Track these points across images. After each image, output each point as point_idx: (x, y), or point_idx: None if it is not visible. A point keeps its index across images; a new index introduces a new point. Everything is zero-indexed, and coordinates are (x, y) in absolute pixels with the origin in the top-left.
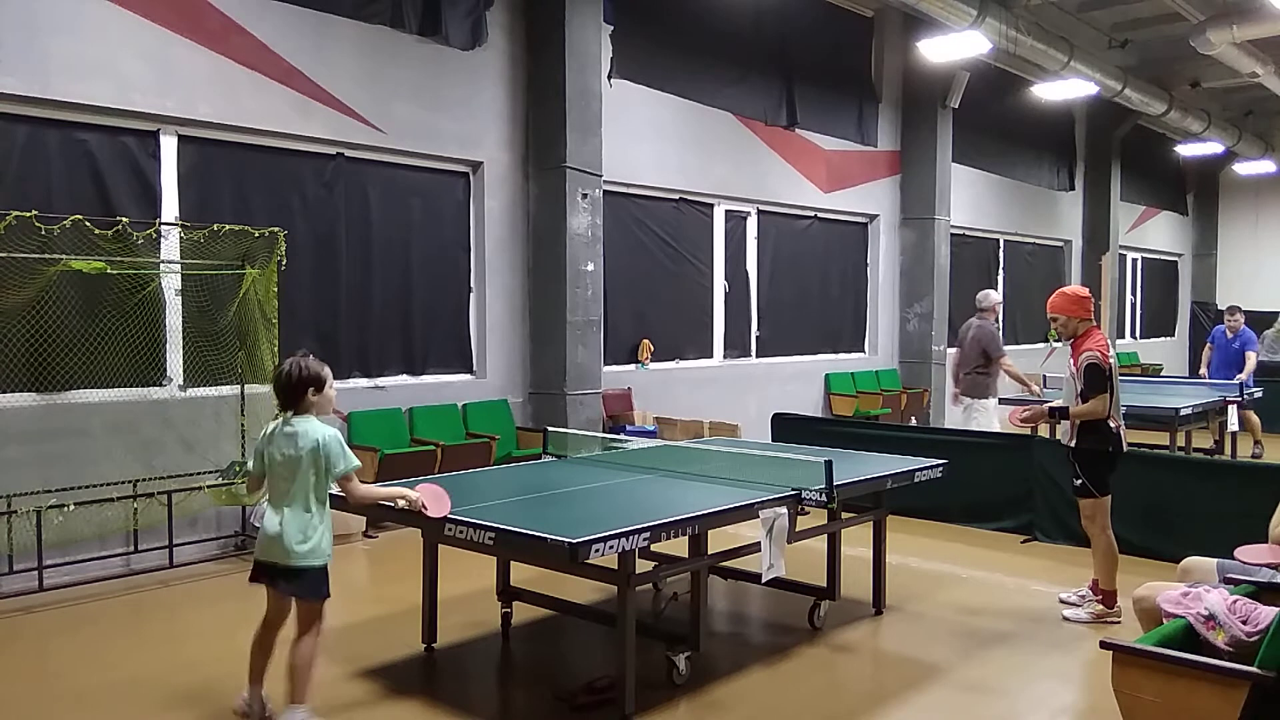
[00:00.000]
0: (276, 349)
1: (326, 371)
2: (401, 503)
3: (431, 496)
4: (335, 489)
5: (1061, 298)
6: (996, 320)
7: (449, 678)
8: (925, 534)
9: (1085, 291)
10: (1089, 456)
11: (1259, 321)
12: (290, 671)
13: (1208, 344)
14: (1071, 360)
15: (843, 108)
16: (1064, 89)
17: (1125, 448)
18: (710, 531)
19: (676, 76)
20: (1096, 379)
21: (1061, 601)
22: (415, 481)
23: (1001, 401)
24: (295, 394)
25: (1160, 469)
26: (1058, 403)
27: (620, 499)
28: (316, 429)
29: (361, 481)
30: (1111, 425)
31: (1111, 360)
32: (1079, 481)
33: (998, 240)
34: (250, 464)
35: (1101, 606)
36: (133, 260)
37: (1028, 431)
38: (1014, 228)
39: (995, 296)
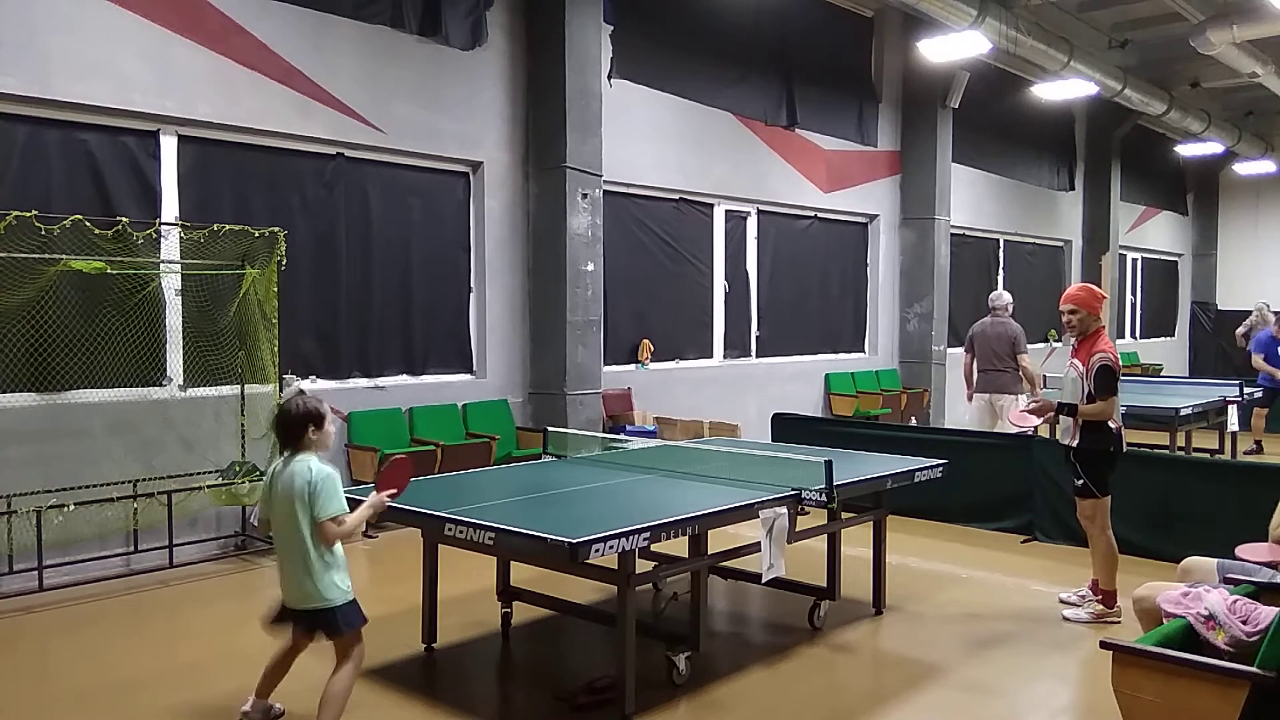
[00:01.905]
0: (276, 349)
1: (326, 408)
2: (373, 512)
3: (393, 479)
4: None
5: (1085, 291)
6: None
7: (449, 678)
8: (925, 534)
9: (1104, 293)
10: (1090, 457)
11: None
12: (323, 701)
13: (1259, 355)
14: (1077, 359)
15: (843, 108)
16: (1064, 89)
17: (1125, 448)
18: (710, 531)
19: (676, 76)
20: (1109, 381)
21: (1061, 601)
22: (412, 484)
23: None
24: (295, 432)
25: (1160, 469)
26: (1047, 406)
27: (620, 499)
28: (311, 467)
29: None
30: (1112, 426)
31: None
32: (1080, 482)
33: (998, 240)
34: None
35: (1101, 606)
36: (133, 260)
37: (1028, 431)
38: (1014, 228)
39: (1009, 295)
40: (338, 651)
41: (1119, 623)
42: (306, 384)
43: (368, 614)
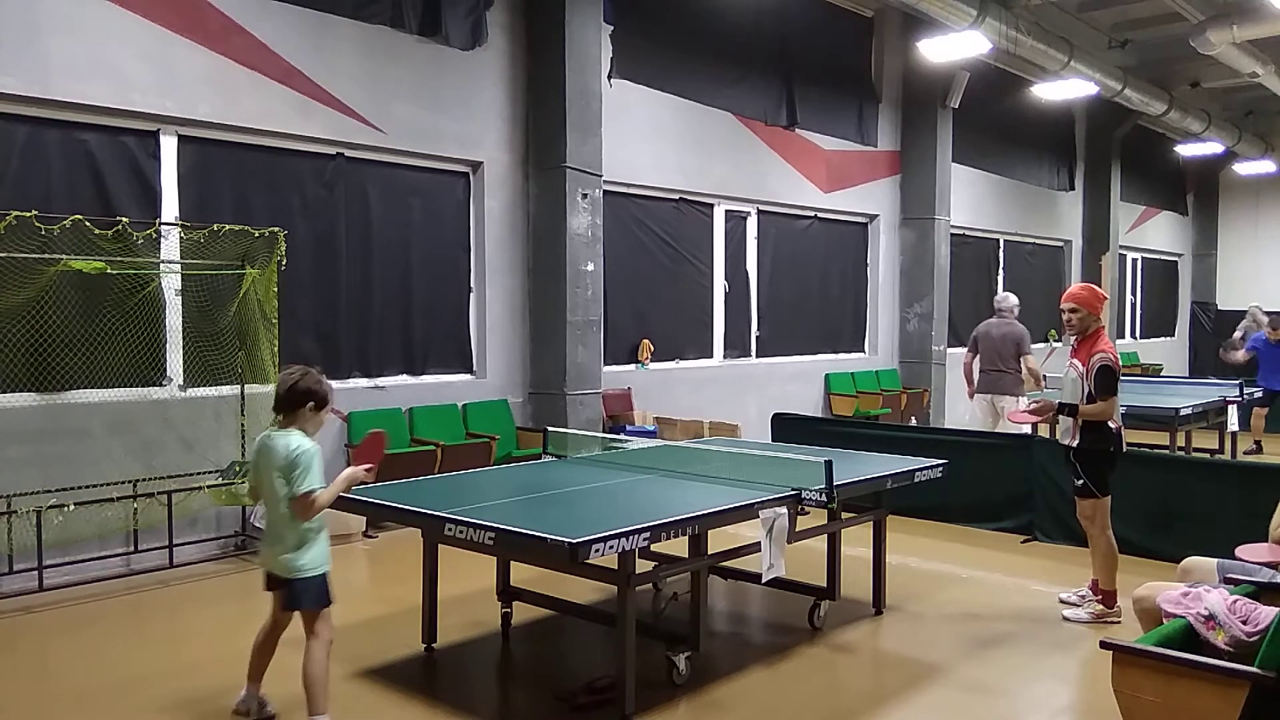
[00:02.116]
0: (276, 349)
1: (330, 393)
2: (348, 485)
3: (368, 452)
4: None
5: (1087, 290)
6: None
7: (449, 678)
8: (925, 534)
9: (1106, 294)
10: (1090, 457)
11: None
12: (305, 683)
13: (1249, 350)
14: (1076, 359)
15: (843, 108)
16: (1064, 89)
17: (1125, 448)
18: (710, 531)
19: (676, 76)
20: (1109, 381)
21: (1061, 601)
22: (413, 483)
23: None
24: (294, 402)
25: (1160, 469)
26: (1048, 405)
27: (620, 499)
28: (297, 440)
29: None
30: (1112, 426)
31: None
32: (1080, 482)
33: (998, 240)
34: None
35: (1101, 606)
36: (133, 260)
37: (1027, 430)
38: (1014, 228)
39: (1015, 298)
40: (306, 628)
41: (1119, 623)
42: None
43: (368, 614)
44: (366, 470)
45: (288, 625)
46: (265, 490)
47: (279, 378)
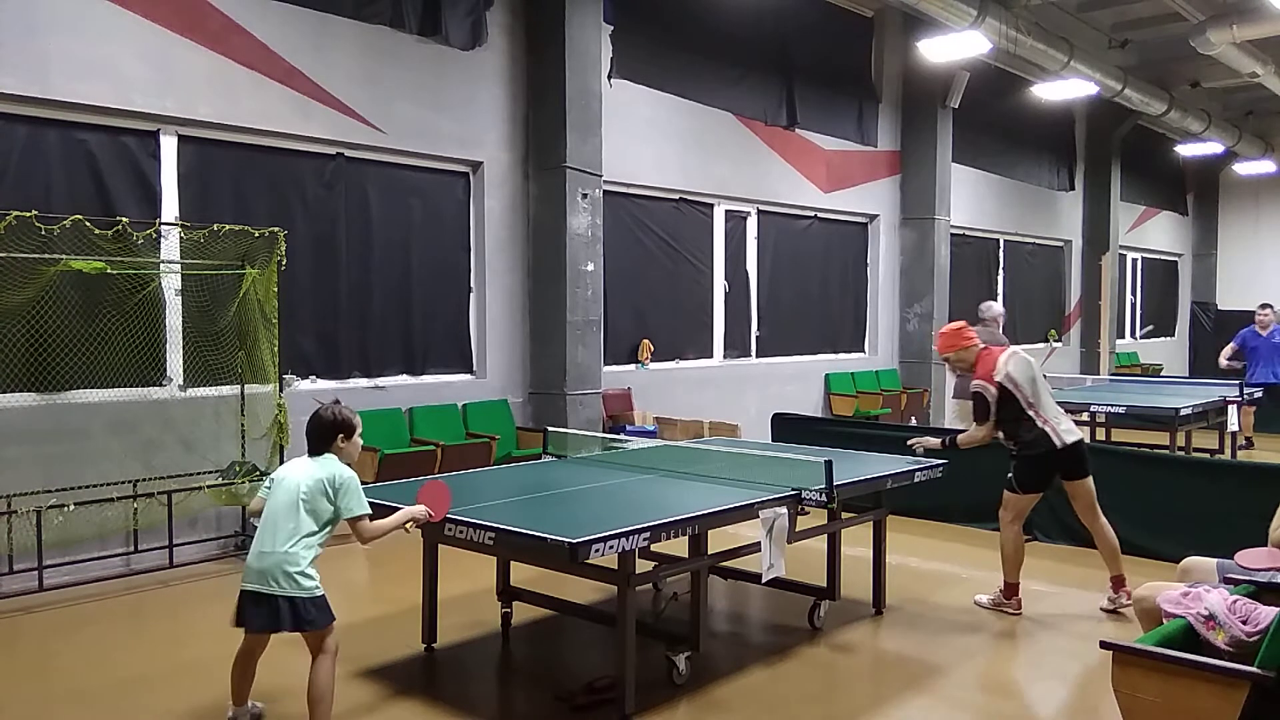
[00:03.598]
0: (276, 349)
1: (358, 420)
2: (411, 526)
3: (432, 498)
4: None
5: (940, 338)
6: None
7: (449, 678)
8: (925, 534)
9: (959, 324)
10: (1021, 459)
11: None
12: (310, 704)
13: (1235, 346)
14: None
15: (843, 108)
16: (1064, 89)
17: (1065, 443)
18: (710, 531)
19: (676, 76)
20: (978, 406)
21: (1101, 610)
22: (414, 483)
23: None
24: (325, 438)
25: (1160, 469)
26: (934, 441)
27: (620, 499)
28: (337, 466)
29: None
30: (1044, 427)
31: (1011, 371)
32: (1009, 476)
33: (998, 240)
34: (261, 488)
35: (1002, 597)
36: (133, 260)
37: None
38: (1014, 228)
39: (1000, 307)
40: (311, 646)
41: (1019, 614)
42: (307, 384)
43: (368, 614)
44: (428, 514)
45: (265, 648)
46: (282, 504)
47: (309, 420)
